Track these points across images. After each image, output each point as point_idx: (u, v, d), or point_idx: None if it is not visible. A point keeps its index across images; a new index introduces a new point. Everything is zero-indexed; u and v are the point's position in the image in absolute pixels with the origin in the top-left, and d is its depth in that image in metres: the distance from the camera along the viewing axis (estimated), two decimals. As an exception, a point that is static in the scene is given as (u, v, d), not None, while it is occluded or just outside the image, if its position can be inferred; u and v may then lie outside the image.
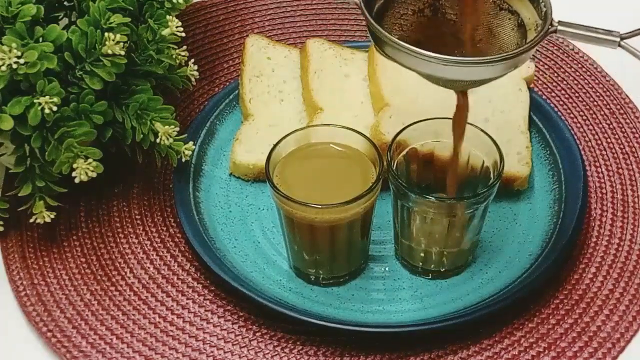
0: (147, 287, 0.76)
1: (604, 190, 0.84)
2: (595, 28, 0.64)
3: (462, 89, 0.69)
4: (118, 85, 0.76)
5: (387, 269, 0.77)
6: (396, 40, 0.64)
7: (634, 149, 0.87)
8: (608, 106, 0.92)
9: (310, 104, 0.86)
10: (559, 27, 0.65)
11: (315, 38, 0.91)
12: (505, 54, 0.64)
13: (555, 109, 0.89)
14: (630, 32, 0.64)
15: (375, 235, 0.77)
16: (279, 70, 0.90)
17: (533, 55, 0.96)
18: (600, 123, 0.90)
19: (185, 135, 0.81)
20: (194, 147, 0.82)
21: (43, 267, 0.78)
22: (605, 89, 0.93)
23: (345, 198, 0.68)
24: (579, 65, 0.96)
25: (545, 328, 0.73)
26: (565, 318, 0.74)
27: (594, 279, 0.77)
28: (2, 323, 0.75)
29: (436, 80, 0.66)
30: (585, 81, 0.94)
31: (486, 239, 0.79)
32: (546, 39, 0.68)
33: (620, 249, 0.79)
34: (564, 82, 0.94)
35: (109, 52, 0.71)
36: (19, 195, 0.76)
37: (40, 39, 0.71)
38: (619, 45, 0.64)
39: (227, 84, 0.93)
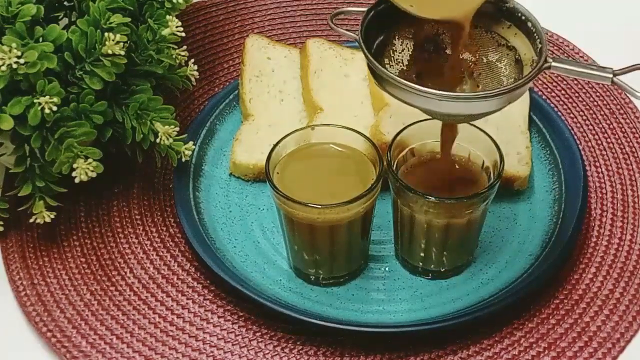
0: (147, 287, 0.76)
1: (604, 190, 0.84)
2: (589, 64, 0.65)
3: (460, 122, 0.70)
4: (118, 85, 0.76)
5: (387, 269, 0.77)
6: (393, 76, 0.65)
7: (634, 149, 0.87)
8: (608, 106, 0.92)
9: (310, 104, 0.86)
10: (553, 64, 0.66)
11: (315, 38, 0.91)
12: (499, 89, 0.65)
13: (555, 109, 0.89)
14: (622, 69, 0.66)
15: (375, 235, 0.77)
16: (279, 70, 0.90)
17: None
18: (600, 123, 0.90)
19: (185, 135, 0.81)
20: (194, 147, 0.82)
21: (43, 267, 0.78)
22: (605, 89, 0.93)
23: (346, 198, 0.68)
24: (579, 65, 0.96)
25: (545, 328, 0.73)
26: (565, 318, 0.74)
27: (594, 279, 0.77)
28: (2, 323, 0.75)
29: (434, 114, 0.67)
30: (585, 81, 0.94)
31: (486, 239, 0.79)
32: (546, 39, 0.69)
33: (620, 249, 0.79)
34: (564, 82, 0.94)
35: (109, 52, 0.71)
36: (19, 195, 0.76)
37: (40, 39, 0.71)
38: (612, 82, 0.65)
39: (227, 84, 0.93)
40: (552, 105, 0.90)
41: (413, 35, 0.71)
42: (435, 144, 0.74)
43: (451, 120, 0.69)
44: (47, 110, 0.70)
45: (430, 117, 0.69)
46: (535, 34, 0.69)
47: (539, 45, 0.68)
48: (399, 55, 0.72)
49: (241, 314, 0.74)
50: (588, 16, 1.02)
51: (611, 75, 0.65)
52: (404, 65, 0.71)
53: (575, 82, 0.94)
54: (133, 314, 0.74)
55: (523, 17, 0.70)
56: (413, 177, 0.72)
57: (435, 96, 0.64)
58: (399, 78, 0.65)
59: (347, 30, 0.70)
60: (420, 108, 0.67)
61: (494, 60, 0.71)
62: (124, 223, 0.81)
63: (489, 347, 0.72)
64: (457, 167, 0.74)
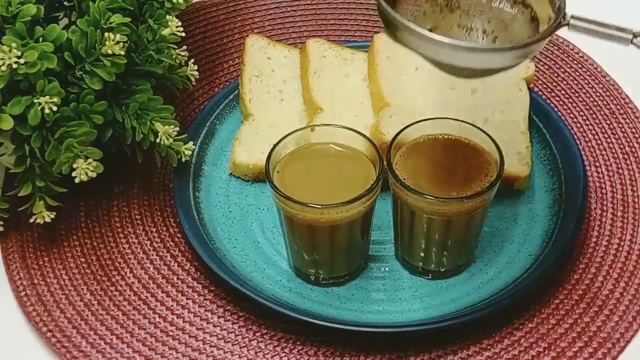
0: (147, 287, 0.76)
1: (604, 190, 0.84)
2: (608, 24, 0.64)
3: (470, 78, 0.68)
4: (118, 85, 0.76)
5: (387, 269, 0.77)
6: (408, 23, 0.63)
7: (634, 149, 0.87)
8: (608, 106, 0.92)
9: (310, 104, 0.86)
10: (572, 21, 0.64)
11: (315, 38, 0.91)
12: (516, 43, 0.63)
13: (555, 109, 0.89)
14: None
15: (375, 235, 0.77)
16: (279, 70, 0.90)
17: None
18: (600, 123, 0.90)
19: (185, 135, 0.81)
20: (194, 147, 0.82)
21: (43, 267, 0.78)
22: (605, 89, 0.93)
23: (345, 198, 0.68)
24: (579, 65, 0.96)
25: (545, 328, 0.73)
26: (565, 318, 0.74)
27: (594, 279, 0.77)
28: (2, 323, 0.75)
29: (445, 67, 0.66)
30: (585, 81, 0.94)
31: (486, 239, 0.79)
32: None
33: (620, 249, 0.79)
34: (564, 82, 0.94)
35: (109, 52, 0.71)
36: (19, 195, 0.76)
37: (40, 39, 0.71)
38: (632, 42, 0.63)
39: (227, 84, 0.93)
40: (552, 105, 0.90)
41: None
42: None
43: (464, 75, 0.67)
44: (47, 110, 0.70)
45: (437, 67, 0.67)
46: None
47: (557, 2, 0.65)
48: (413, 8, 0.70)
49: (241, 314, 0.74)
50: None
51: (631, 37, 0.63)
52: (417, 18, 0.70)
53: (575, 82, 0.94)
54: (133, 314, 0.74)
55: None
56: (411, 164, 0.72)
57: (449, 46, 0.62)
58: (412, 24, 0.63)
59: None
60: (432, 60, 0.65)
61: (510, 17, 0.69)
62: (124, 223, 0.81)
63: (489, 347, 0.72)
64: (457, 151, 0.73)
